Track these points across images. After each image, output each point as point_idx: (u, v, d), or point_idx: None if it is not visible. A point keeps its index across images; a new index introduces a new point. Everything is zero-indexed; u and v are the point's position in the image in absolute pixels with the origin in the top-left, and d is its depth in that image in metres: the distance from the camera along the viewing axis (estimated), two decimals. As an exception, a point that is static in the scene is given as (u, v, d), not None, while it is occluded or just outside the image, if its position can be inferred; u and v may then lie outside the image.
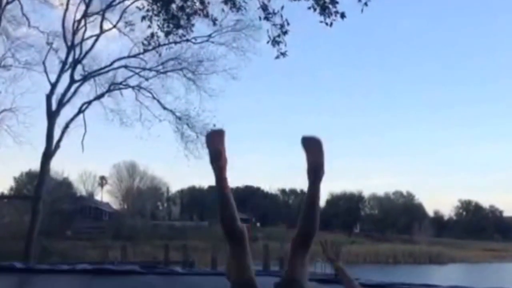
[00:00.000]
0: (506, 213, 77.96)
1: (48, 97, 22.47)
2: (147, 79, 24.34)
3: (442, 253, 55.16)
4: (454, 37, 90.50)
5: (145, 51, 22.12)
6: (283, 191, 76.06)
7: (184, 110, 24.13)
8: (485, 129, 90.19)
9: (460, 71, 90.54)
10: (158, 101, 24.25)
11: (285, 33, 11.70)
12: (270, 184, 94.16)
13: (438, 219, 77.55)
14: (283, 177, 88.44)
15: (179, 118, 24.14)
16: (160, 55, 22.15)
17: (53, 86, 22.72)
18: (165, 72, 24.08)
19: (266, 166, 79.97)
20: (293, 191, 75.41)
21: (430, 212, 77.89)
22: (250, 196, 68.19)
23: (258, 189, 72.27)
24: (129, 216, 54.66)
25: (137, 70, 24.18)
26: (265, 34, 12.24)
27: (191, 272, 7.46)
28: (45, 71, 22.95)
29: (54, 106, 22.56)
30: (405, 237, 64.08)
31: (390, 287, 3.37)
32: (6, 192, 51.26)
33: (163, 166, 74.53)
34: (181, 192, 70.31)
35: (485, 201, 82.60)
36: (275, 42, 11.72)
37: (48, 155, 22.33)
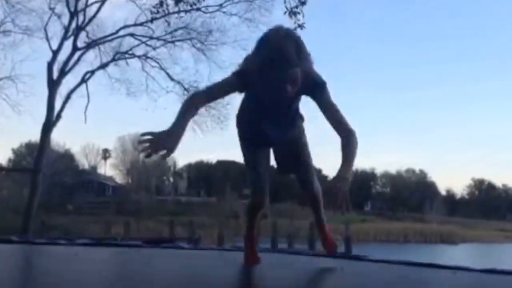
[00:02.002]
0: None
1: (49, 65, 22.15)
2: (154, 49, 23.93)
3: (453, 232, 55.07)
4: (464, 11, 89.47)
5: (153, 19, 21.73)
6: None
7: (192, 82, 23.66)
8: (500, 106, 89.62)
9: (475, 47, 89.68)
10: (166, 71, 23.89)
11: (303, 3, 11.41)
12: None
13: (450, 198, 77.41)
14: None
15: (187, 90, 23.75)
16: (169, 24, 21.76)
17: (55, 53, 22.37)
18: (173, 42, 23.60)
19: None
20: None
21: (442, 190, 77.83)
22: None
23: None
24: (134, 191, 54.71)
25: (144, 39, 23.63)
26: (279, 4, 11.90)
27: (197, 247, 7.31)
28: (46, 38, 22.58)
29: (55, 74, 22.27)
30: (416, 215, 64.00)
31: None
32: (4, 164, 51.18)
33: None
34: (188, 166, 70.13)
35: (498, 180, 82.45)
36: (292, 13, 11.43)
37: (48, 126, 22.06)
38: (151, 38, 23.50)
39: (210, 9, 21.49)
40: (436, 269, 3.00)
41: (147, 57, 23.96)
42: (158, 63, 23.86)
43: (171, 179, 69.53)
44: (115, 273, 2.75)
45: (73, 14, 22.51)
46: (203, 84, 23.39)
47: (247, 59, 2.69)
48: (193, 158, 72.91)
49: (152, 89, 23.83)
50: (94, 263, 2.91)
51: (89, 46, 23.29)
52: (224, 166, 67.38)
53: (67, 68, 22.53)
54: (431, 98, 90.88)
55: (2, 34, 22.28)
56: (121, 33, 23.46)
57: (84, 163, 61.48)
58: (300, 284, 2.69)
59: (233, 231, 35.62)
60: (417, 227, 55.55)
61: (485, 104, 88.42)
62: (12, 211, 30.64)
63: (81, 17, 22.81)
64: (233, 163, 68.35)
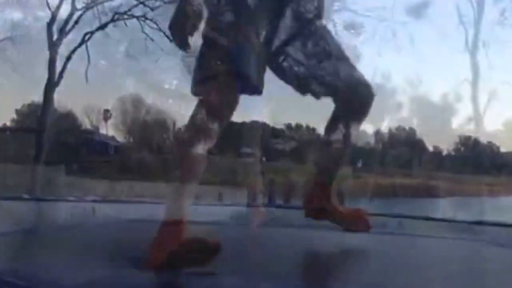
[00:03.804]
0: (503, 149, 78.24)
1: (49, 26, 21.76)
2: (152, 9, 23.52)
3: (439, 187, 55.51)
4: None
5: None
6: (288, 126, 75.54)
7: (193, 44, 23.44)
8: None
9: None
10: (164, 33, 23.51)
11: None
12: (276, 118, 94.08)
13: (437, 154, 77.90)
14: (290, 111, 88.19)
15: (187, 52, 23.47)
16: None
17: (54, 14, 22.08)
18: (171, 2, 23.17)
19: (272, 100, 79.48)
20: (299, 126, 75.09)
21: (430, 147, 78.32)
22: (255, 131, 68.29)
23: (264, 124, 71.82)
24: (136, 150, 54.54)
25: (143, -1, 23.40)
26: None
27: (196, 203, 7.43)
28: (45, -3, 22.31)
29: (55, 35, 22.05)
30: (405, 171, 64.40)
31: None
32: (8, 124, 50.75)
33: (171, 102, 74.08)
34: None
35: (484, 138, 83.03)
36: None
37: (50, 86, 21.78)
38: (149, -2, 23.15)
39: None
40: (424, 221, 3.06)
41: (146, 18, 23.59)
42: (157, 24, 23.52)
43: (172, 139, 69.44)
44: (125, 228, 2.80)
45: (72, -25, 22.14)
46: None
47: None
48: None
49: (152, 51, 23.55)
50: (109, 217, 2.96)
51: (88, 6, 22.94)
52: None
53: (67, 29, 22.21)
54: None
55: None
56: (120, -8, 23.09)
57: (86, 123, 61.32)
58: (294, 239, 2.71)
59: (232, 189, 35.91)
60: (404, 182, 55.99)
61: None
62: (18, 170, 30.61)
63: (80, -23, 22.46)
64: (231, 122, 68.41)
